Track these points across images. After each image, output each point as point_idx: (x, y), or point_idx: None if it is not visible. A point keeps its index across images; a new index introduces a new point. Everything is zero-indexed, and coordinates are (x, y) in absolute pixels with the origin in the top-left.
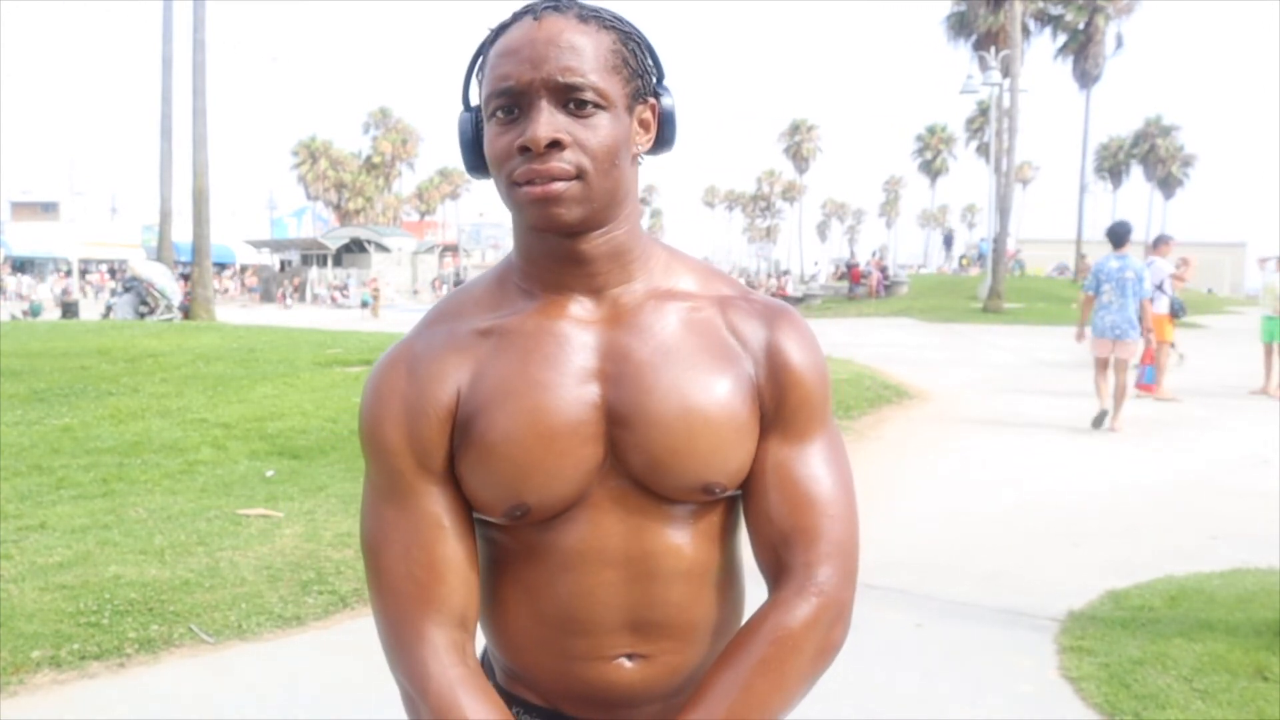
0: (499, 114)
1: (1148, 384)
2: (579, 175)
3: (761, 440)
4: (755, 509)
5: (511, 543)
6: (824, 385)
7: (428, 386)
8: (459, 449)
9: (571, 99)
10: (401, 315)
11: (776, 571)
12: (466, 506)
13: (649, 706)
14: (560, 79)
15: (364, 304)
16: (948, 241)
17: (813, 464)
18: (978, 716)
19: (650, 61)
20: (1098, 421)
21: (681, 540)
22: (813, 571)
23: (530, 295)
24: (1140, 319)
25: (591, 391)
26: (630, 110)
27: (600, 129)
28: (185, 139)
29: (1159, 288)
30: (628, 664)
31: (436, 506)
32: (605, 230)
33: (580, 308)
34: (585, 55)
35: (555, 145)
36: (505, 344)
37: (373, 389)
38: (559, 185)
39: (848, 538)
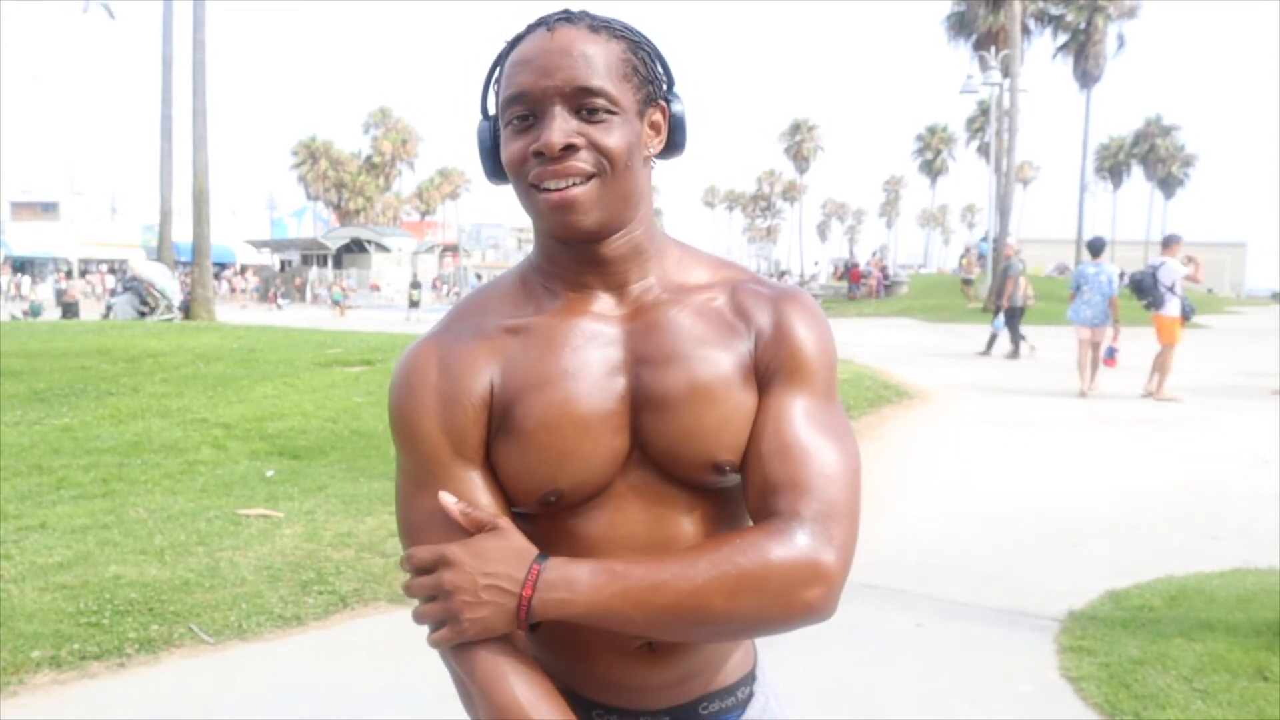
0: (515, 121)
1: (1109, 359)
2: (595, 174)
3: (761, 406)
4: (750, 456)
5: (538, 530)
6: (826, 359)
7: (460, 378)
8: (495, 437)
9: (584, 105)
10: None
11: (763, 519)
12: (501, 492)
13: (662, 691)
14: (573, 86)
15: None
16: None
17: (812, 427)
18: (978, 716)
19: (659, 68)
20: (1082, 393)
21: (703, 528)
22: (800, 523)
23: (554, 294)
24: (1111, 311)
25: (618, 383)
26: (641, 115)
27: (614, 132)
28: (185, 139)
29: (1170, 289)
30: (647, 649)
31: (473, 491)
32: (624, 232)
33: (603, 304)
34: (597, 64)
35: (569, 149)
36: (533, 340)
37: (403, 381)
38: (576, 190)
39: (843, 506)
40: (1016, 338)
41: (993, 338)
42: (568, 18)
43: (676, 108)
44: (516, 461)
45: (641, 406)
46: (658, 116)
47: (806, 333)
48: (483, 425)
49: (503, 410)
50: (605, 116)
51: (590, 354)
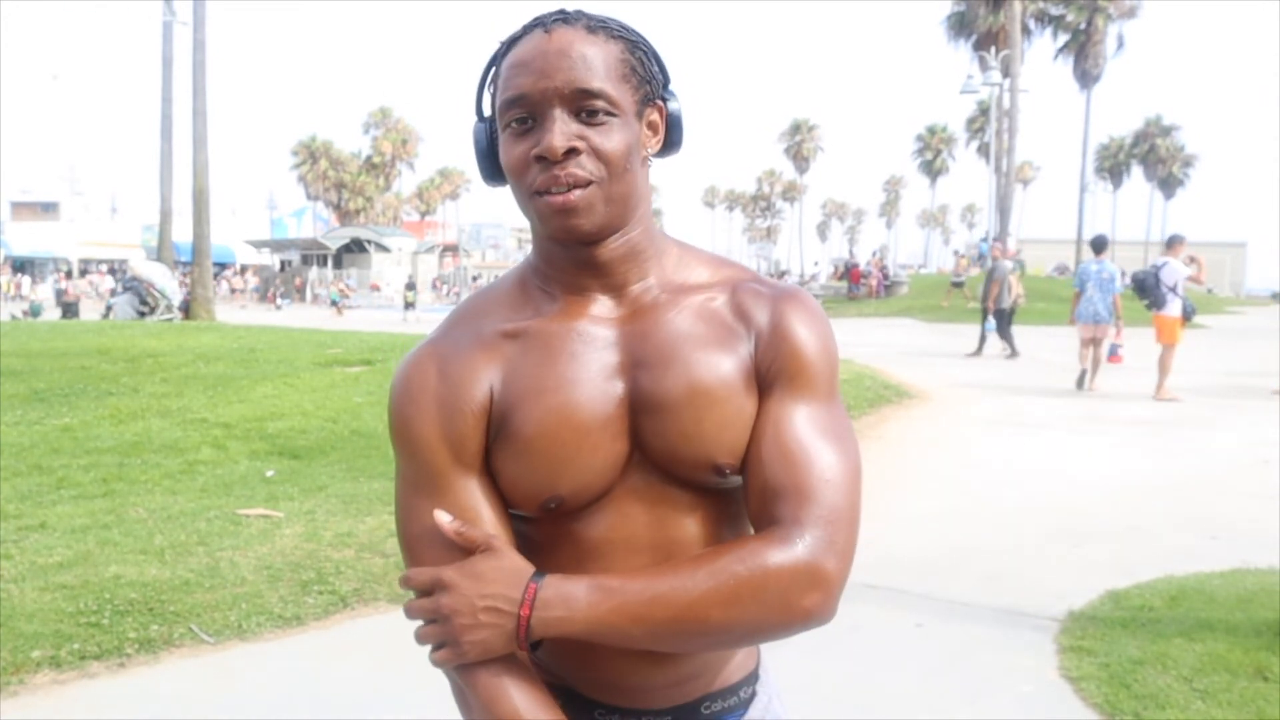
0: (514, 124)
1: (1113, 356)
2: (595, 180)
3: (761, 410)
4: (750, 460)
5: (539, 534)
6: (827, 359)
7: (460, 384)
8: (495, 444)
9: (584, 108)
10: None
11: (764, 525)
12: (500, 499)
13: (664, 690)
14: (573, 88)
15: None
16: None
17: (813, 430)
18: (978, 716)
19: (656, 67)
20: (1079, 382)
21: (705, 528)
22: (801, 529)
23: (552, 297)
24: (1114, 308)
25: (616, 386)
26: (639, 115)
27: (613, 135)
28: (185, 139)
29: (1172, 290)
30: (647, 650)
31: (472, 499)
32: (622, 234)
33: (601, 307)
34: (595, 65)
35: (571, 153)
36: (532, 345)
37: (403, 387)
38: (577, 193)
39: (844, 511)
40: (1008, 338)
41: (983, 339)
42: (564, 18)
43: (673, 107)
44: (515, 468)
45: (640, 409)
46: (655, 116)
47: (807, 334)
48: (482, 432)
49: (501, 417)
50: (605, 119)
51: (588, 359)
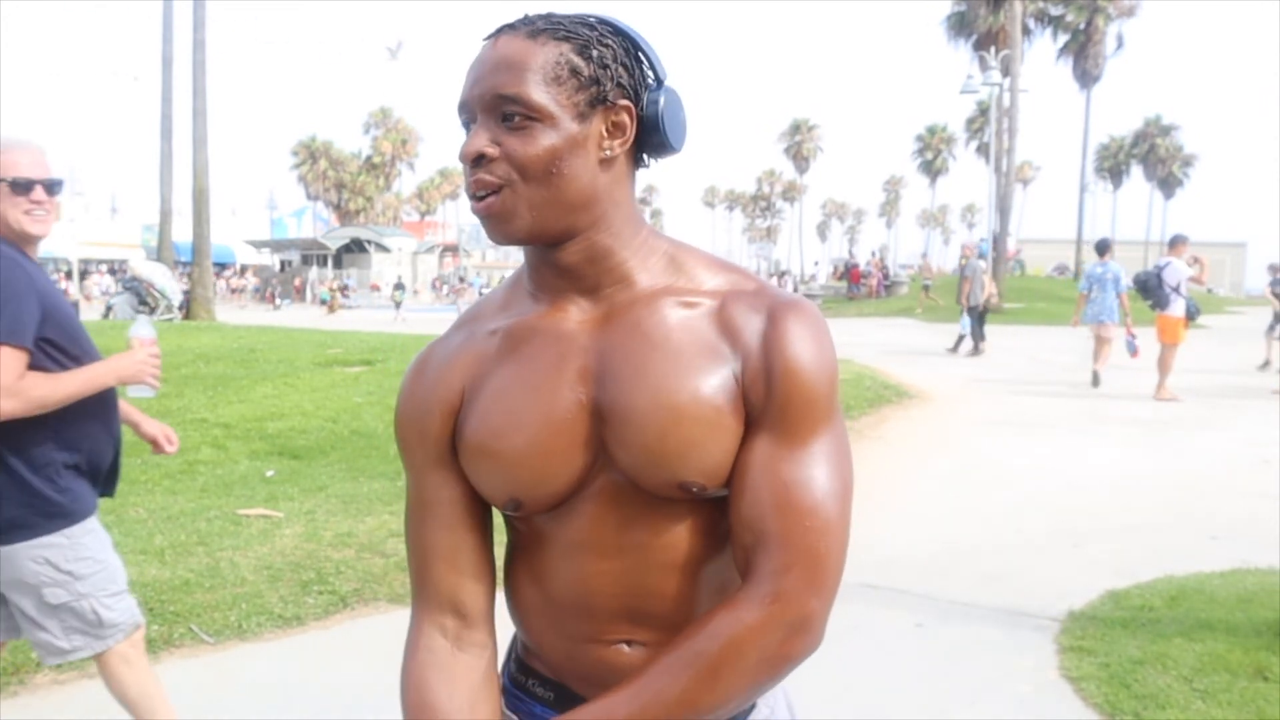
0: (466, 130)
1: (1133, 353)
2: (507, 185)
3: (749, 437)
4: (734, 506)
5: (524, 529)
6: (824, 383)
7: (436, 386)
8: (457, 444)
9: (504, 113)
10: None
11: (745, 573)
12: (475, 498)
13: None
14: (492, 95)
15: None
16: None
17: (802, 467)
18: (978, 716)
19: (621, 66)
20: (1094, 381)
21: (676, 534)
22: (778, 579)
23: (536, 298)
24: (1120, 307)
25: (578, 392)
26: (584, 117)
27: (531, 140)
28: (185, 139)
29: (1175, 290)
30: (627, 649)
31: (438, 496)
32: (581, 237)
33: (577, 309)
34: (520, 70)
35: (481, 158)
36: (507, 345)
37: (401, 388)
38: (490, 199)
39: (827, 549)
40: (977, 335)
41: (978, 338)
42: (513, 25)
43: (652, 105)
44: (471, 468)
45: (604, 419)
46: (621, 117)
47: (802, 357)
48: (450, 430)
49: (464, 418)
50: (525, 124)
51: (554, 361)
